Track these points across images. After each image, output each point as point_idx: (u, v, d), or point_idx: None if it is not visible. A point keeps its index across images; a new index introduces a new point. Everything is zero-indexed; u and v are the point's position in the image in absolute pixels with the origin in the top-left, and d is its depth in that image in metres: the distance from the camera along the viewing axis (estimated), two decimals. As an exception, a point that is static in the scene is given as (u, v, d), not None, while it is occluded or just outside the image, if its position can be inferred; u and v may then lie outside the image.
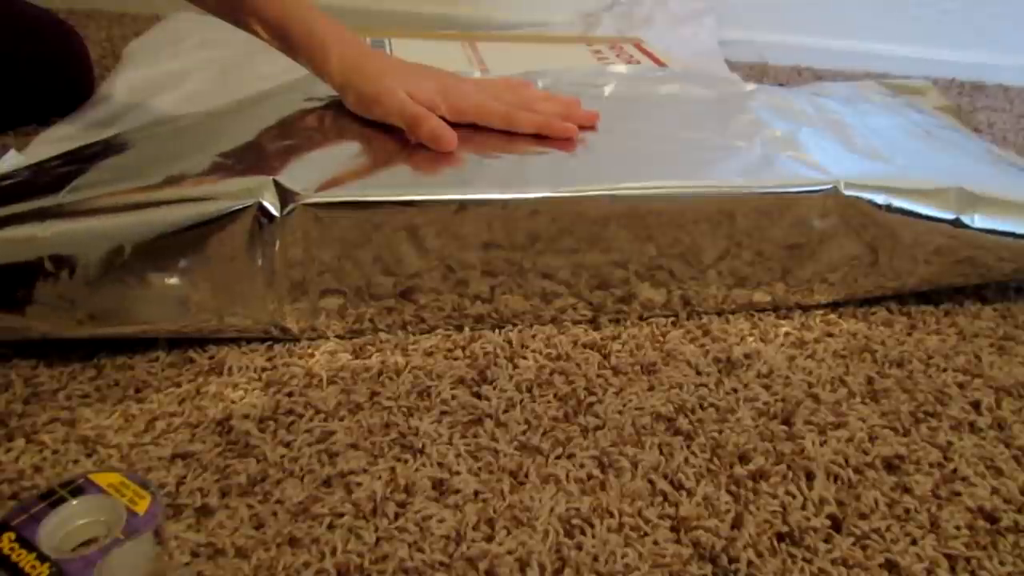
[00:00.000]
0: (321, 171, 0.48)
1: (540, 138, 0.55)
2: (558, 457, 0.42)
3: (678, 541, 0.38)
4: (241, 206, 0.45)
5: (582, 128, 0.57)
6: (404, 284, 0.49)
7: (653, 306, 0.54)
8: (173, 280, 0.45)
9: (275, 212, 0.45)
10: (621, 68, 0.75)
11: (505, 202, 0.48)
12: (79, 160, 0.51)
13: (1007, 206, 0.55)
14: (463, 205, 0.47)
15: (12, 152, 0.56)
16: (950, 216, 0.53)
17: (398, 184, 0.48)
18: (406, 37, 0.90)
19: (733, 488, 0.41)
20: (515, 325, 0.52)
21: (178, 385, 0.46)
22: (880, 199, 0.52)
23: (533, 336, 0.52)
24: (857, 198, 0.52)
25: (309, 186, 0.46)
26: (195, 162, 0.48)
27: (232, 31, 0.60)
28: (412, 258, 0.48)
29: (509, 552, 0.37)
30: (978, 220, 0.53)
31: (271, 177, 0.46)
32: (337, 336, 0.50)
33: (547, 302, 0.52)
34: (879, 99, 0.76)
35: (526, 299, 0.51)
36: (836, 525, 0.40)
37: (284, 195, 0.45)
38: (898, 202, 0.52)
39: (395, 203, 0.47)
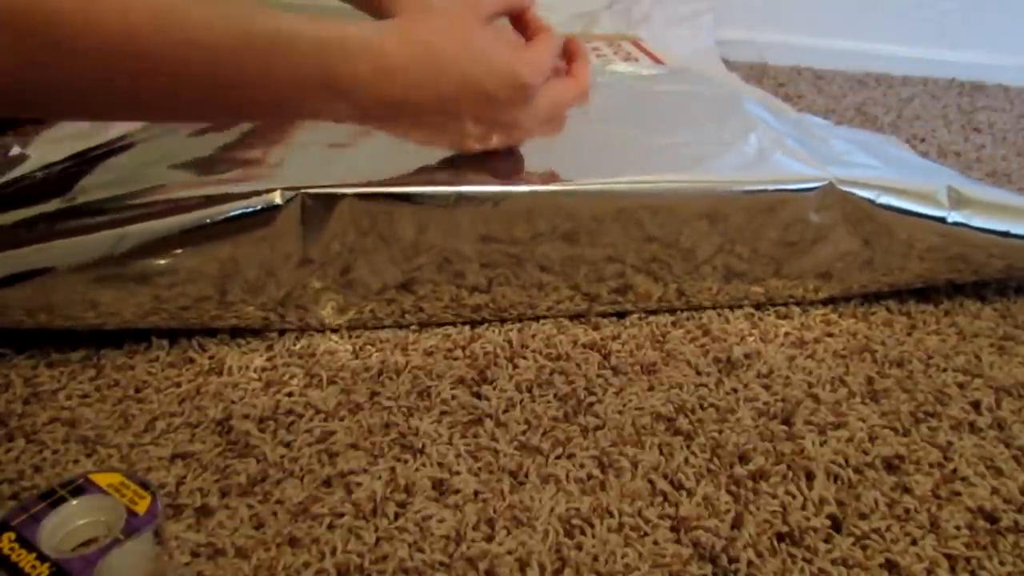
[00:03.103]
0: (322, 164, 0.49)
1: None
2: (558, 457, 0.42)
3: (678, 541, 0.38)
4: (246, 205, 0.45)
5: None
6: (403, 276, 0.49)
7: (649, 298, 0.54)
8: (175, 274, 0.45)
9: (279, 201, 0.45)
10: (619, 66, 0.75)
11: (499, 196, 0.48)
12: (85, 161, 0.52)
13: (993, 207, 0.56)
14: (459, 198, 0.47)
15: (17, 149, 0.56)
16: (940, 214, 0.54)
17: (394, 177, 0.48)
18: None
19: (733, 488, 0.41)
20: (511, 315, 0.52)
21: (178, 385, 0.46)
22: (872, 196, 0.52)
23: (533, 336, 0.52)
24: (851, 194, 0.52)
25: (310, 179, 0.46)
26: (198, 163, 0.49)
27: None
28: (409, 250, 0.48)
29: (509, 552, 0.37)
30: (966, 218, 0.54)
31: (271, 170, 0.46)
32: (338, 326, 0.50)
33: (543, 292, 0.52)
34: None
35: (523, 289, 0.51)
36: (836, 525, 0.40)
37: (285, 188, 0.46)
38: (890, 199, 0.53)
39: (391, 195, 0.47)
